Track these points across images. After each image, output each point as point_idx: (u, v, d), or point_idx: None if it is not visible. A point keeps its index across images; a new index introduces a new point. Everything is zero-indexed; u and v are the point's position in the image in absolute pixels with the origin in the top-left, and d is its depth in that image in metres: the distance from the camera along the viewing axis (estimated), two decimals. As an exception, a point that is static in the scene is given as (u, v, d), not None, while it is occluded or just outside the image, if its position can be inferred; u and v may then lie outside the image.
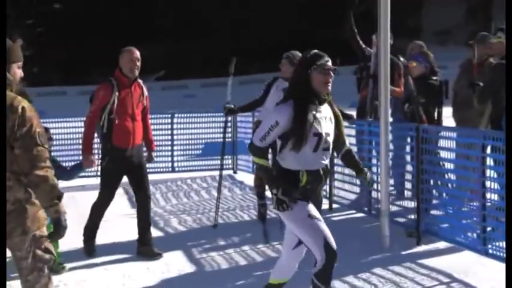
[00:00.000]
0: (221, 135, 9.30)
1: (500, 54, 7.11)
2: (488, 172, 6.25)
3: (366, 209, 8.30)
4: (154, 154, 7.39)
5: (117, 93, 6.52)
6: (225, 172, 11.52)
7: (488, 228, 6.25)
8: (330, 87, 4.54)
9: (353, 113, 8.79)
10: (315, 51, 4.64)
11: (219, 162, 8.97)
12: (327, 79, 4.51)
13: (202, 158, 11.95)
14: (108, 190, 6.77)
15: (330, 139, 4.59)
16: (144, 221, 6.85)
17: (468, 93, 7.27)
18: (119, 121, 6.54)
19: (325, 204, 8.92)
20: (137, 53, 6.64)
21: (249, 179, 10.29)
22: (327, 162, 4.61)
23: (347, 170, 8.85)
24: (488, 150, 6.27)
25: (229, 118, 10.74)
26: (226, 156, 11.63)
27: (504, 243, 5.98)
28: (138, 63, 6.64)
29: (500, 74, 6.80)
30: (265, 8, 45.69)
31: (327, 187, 9.00)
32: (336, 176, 8.93)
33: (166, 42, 44.48)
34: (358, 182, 8.62)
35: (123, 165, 6.68)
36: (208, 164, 11.82)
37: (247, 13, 45.91)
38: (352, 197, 8.75)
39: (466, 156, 6.66)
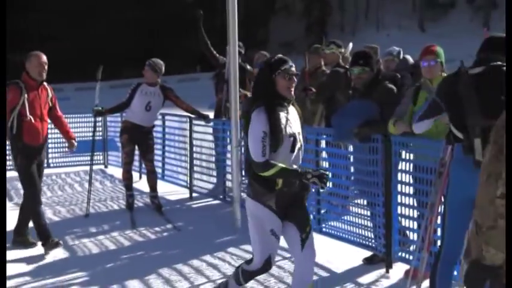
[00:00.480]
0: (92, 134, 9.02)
1: (332, 63, 7.36)
2: (321, 163, 6.47)
3: (221, 196, 8.38)
4: (73, 141, 6.97)
5: (26, 96, 6.14)
6: (97, 167, 11.25)
7: (322, 211, 6.49)
8: (292, 92, 4.06)
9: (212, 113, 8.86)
10: (280, 56, 4.18)
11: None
12: (290, 84, 4.04)
13: (75, 154, 11.50)
14: (31, 187, 6.27)
15: (302, 138, 4.15)
16: (28, 213, 6.48)
17: (303, 96, 7.47)
18: (29, 122, 6.16)
19: (186, 194, 8.99)
20: (45, 57, 6.30)
21: (118, 172, 10.06)
22: (300, 162, 4.14)
23: (204, 163, 8.93)
24: (323, 144, 6.50)
25: (100, 118, 10.52)
26: (98, 152, 11.39)
27: (335, 222, 6.25)
28: (46, 67, 6.31)
29: (334, 80, 7.08)
30: (132, 18, 45.01)
31: (187, 178, 9.01)
32: (196, 168, 8.93)
33: (42, 48, 42.66)
34: (214, 174, 8.69)
35: (35, 161, 6.28)
36: (81, 159, 11.41)
37: (114, 23, 44.97)
38: (210, 186, 8.79)
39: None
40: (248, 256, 6.06)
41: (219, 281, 5.35)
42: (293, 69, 4.05)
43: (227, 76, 7.82)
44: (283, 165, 3.92)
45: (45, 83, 6.42)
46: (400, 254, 5.40)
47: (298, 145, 4.06)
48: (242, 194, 7.49)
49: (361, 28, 66.51)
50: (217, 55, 8.51)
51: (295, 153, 4.04)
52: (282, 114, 4.00)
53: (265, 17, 61.32)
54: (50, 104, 6.51)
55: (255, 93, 4.23)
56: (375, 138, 5.41)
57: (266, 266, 4.17)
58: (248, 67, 8.42)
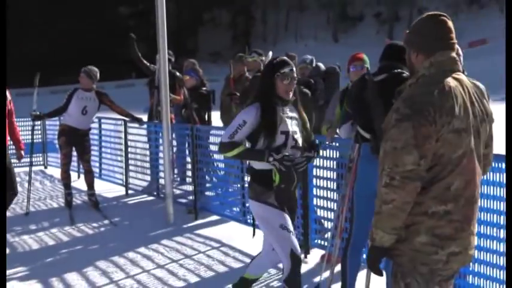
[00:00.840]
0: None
1: (254, 69, 7.41)
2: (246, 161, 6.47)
3: (155, 193, 8.26)
4: (22, 152, 6.48)
5: None
6: (37, 168, 10.89)
7: (247, 204, 6.47)
8: (291, 95, 3.79)
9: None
10: (282, 58, 3.87)
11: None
12: (289, 87, 3.76)
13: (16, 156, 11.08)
14: None
15: (298, 137, 3.82)
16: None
17: (228, 100, 7.47)
18: None
19: (122, 191, 8.80)
20: None
21: (57, 173, 9.73)
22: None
23: (139, 163, 8.78)
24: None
25: (39, 122, 10.15)
26: (38, 154, 11.03)
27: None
28: None
29: (256, 84, 7.10)
30: (72, 27, 43.83)
31: (123, 176, 8.84)
32: (131, 167, 8.77)
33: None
34: (148, 172, 8.56)
35: None
36: (21, 161, 10.97)
37: (55, 32, 43.65)
38: (144, 184, 8.65)
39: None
40: (180, 246, 6.02)
41: (153, 271, 5.29)
42: (293, 73, 3.78)
43: (157, 82, 7.73)
44: (245, 146, 3.74)
45: None
46: (316, 241, 5.47)
47: (291, 143, 3.79)
48: (174, 190, 7.45)
49: (281, 39, 67.36)
50: (148, 64, 8.42)
51: (287, 150, 3.76)
52: (278, 113, 3.74)
53: (194, 29, 61.17)
54: (9, 107, 6.05)
55: (256, 91, 3.92)
56: (293, 137, 5.45)
57: (295, 259, 3.72)
58: (178, 74, 8.34)
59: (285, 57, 3.88)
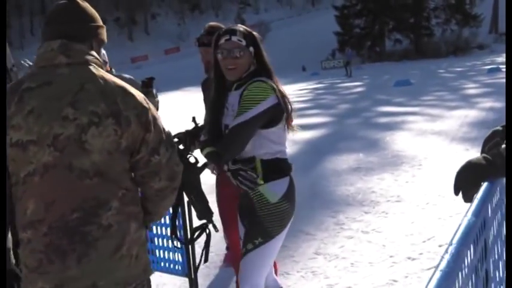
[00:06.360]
0: None
1: None
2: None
3: None
4: None
5: None
6: None
7: None
8: (233, 74, 2.34)
9: None
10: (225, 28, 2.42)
11: None
12: (226, 63, 2.32)
13: None
14: None
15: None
16: None
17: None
18: None
19: None
20: None
21: None
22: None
23: None
24: None
25: None
26: None
27: None
28: None
29: None
30: None
31: None
32: None
33: None
34: None
35: None
36: None
37: None
38: None
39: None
40: None
41: None
42: (229, 43, 2.32)
43: None
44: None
45: None
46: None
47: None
48: None
49: (29, 43, 61.82)
50: None
51: None
52: (216, 100, 2.52)
53: None
54: None
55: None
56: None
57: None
58: None
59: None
